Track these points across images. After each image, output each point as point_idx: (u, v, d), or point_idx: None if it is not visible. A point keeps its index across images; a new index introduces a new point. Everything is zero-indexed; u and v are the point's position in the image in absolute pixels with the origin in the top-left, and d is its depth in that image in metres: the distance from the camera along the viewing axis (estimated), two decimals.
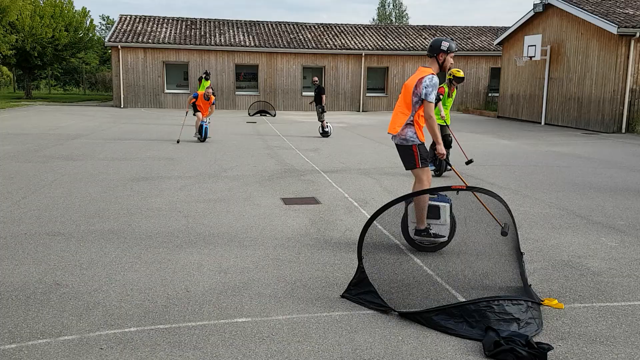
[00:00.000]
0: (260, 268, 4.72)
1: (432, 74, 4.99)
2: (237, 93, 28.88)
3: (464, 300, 4.00)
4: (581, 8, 19.20)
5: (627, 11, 19.30)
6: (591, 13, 18.57)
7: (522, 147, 13.91)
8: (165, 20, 31.32)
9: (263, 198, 7.52)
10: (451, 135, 9.59)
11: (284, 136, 15.97)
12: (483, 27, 33.92)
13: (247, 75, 29.24)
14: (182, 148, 12.82)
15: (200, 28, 30.33)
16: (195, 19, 31.74)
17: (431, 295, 4.12)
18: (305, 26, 31.99)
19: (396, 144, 5.20)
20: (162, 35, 28.83)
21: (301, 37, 30.14)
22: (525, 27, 22.74)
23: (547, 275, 4.64)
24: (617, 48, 17.63)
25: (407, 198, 4.39)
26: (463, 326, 3.53)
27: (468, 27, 33.77)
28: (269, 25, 31.81)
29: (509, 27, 24.22)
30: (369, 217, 5.69)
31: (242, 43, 28.59)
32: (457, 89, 9.35)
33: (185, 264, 4.79)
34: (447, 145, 9.46)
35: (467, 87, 30.11)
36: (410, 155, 5.09)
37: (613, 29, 17.31)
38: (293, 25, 32.01)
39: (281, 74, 28.94)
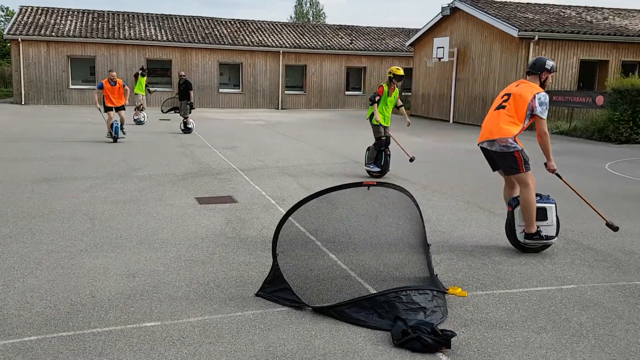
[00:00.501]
0: (172, 270, 4.59)
1: (544, 92, 5.11)
2: (148, 89, 27.82)
3: (375, 292, 4.12)
4: (485, 12, 20.34)
5: (527, 15, 20.71)
6: (494, 17, 19.74)
7: (432, 144, 14.53)
8: (70, 12, 29.55)
9: (176, 198, 7.32)
10: (390, 135, 9.28)
11: (199, 134, 15.62)
12: (396, 28, 35.02)
13: (159, 71, 28.27)
14: (89, 147, 12.17)
15: (108, 21, 28.92)
16: (103, 11, 30.22)
17: (344, 289, 4.20)
18: (222, 22, 31.45)
19: (495, 151, 5.20)
20: (67, 28, 27.18)
21: (217, 32, 29.59)
22: (435, 29, 23.76)
23: (452, 265, 4.89)
24: (518, 50, 18.87)
25: (323, 194, 4.45)
26: (374, 317, 3.64)
27: (382, 28, 34.73)
28: (183, 19, 30.95)
29: (420, 29, 25.20)
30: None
31: (154, 37, 27.60)
32: (397, 87, 9.24)
33: (90, 268, 4.56)
34: (387, 144, 9.22)
35: None
36: (514, 161, 5.12)
37: (514, 32, 18.50)
38: (208, 20, 31.34)
39: (196, 70, 28.27)
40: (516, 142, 5.12)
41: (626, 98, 15.15)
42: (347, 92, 30.76)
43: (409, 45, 26.95)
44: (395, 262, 4.89)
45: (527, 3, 23.29)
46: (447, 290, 4.21)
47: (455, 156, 12.24)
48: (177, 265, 4.70)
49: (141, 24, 29.10)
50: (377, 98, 9.14)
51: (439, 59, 22.09)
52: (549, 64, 5.22)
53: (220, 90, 28.87)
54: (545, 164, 5.22)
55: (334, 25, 34.53)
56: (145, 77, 18.47)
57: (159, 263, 4.74)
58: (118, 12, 30.42)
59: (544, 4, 23.51)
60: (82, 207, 6.64)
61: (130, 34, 27.60)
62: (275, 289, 4.05)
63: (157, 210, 6.62)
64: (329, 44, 30.33)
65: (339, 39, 31.35)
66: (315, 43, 30.13)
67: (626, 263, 4.98)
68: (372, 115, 9.24)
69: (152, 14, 30.77)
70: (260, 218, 6.36)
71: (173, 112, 24.40)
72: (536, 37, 18.52)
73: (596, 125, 16.37)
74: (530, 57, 18.74)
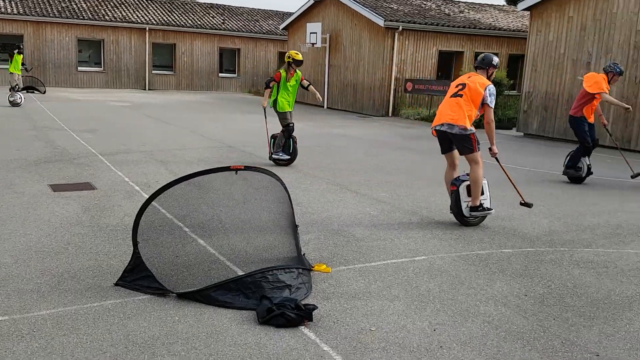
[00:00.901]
0: (21, 262, 4.22)
1: (491, 84, 5.92)
2: (25, 67, 24.94)
3: (242, 273, 4.15)
4: (353, 0, 21.03)
5: (392, 6, 21.77)
6: (362, 5, 20.47)
7: (307, 129, 14.83)
8: None
9: (27, 185, 6.69)
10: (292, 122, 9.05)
11: (55, 116, 14.36)
12: (270, 10, 34.89)
13: (9, 47, 25.41)
14: None
15: None
16: None
17: (212, 274, 4.17)
18: None
19: (454, 133, 5.83)
20: None
21: (75, 6, 27.23)
22: (307, 14, 24.06)
23: (319, 244, 5.07)
24: (385, 40, 19.82)
25: (188, 179, 4.35)
26: (240, 298, 3.67)
27: (255, 9, 34.39)
28: None
29: (293, 13, 25.38)
30: None
31: (2, 9, 24.69)
32: (297, 72, 8.97)
33: None
34: (290, 133, 8.95)
35: (258, 70, 30.80)
36: (470, 142, 5.84)
37: (380, 22, 19.36)
38: None
39: (52, 47, 25.83)
40: (472, 126, 5.88)
41: None
42: (220, 74, 30.10)
43: (282, 29, 27.02)
44: (264, 244, 4.96)
45: None
46: (313, 267, 4.37)
47: (327, 141, 12.61)
48: (26, 257, 4.33)
49: None
50: (271, 83, 8.78)
51: (313, 44, 22.44)
52: (495, 60, 6.07)
53: (80, 68, 26.69)
54: (489, 148, 5.93)
55: (205, 3, 33.49)
56: (21, 55, 16.75)
57: (6, 255, 4.33)
58: None
59: None
60: None
61: None
62: (137, 277, 3.90)
63: (5, 198, 6.01)
64: (199, 22, 29.36)
65: (211, 18, 30.49)
66: (185, 21, 29.00)
67: (470, 235, 5.55)
68: (274, 102, 8.96)
69: None
70: (122, 205, 6.05)
71: (25, 91, 22.20)
72: (400, 28, 19.56)
73: None
74: (395, 47, 19.78)
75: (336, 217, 6.05)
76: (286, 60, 8.91)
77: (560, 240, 5.49)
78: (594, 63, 13.19)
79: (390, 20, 19.35)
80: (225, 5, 33.43)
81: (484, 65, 6.04)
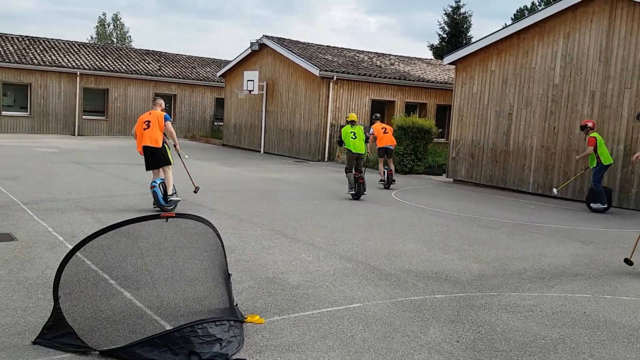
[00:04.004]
0: None
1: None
2: None
3: (170, 328, 3.97)
4: (290, 50, 21.60)
5: (327, 57, 22.50)
6: (298, 56, 21.06)
7: (243, 174, 14.75)
8: None
9: None
10: None
11: None
12: (207, 58, 35.08)
13: None
14: None
15: None
16: None
17: (138, 329, 3.97)
18: (7, 37, 28.00)
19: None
20: None
21: (1, 49, 26.24)
22: (245, 62, 24.41)
23: (253, 293, 4.96)
24: (320, 88, 20.35)
25: (117, 227, 4.19)
26: (167, 355, 3.50)
27: (193, 56, 34.47)
28: None
29: (230, 62, 25.64)
30: None
31: None
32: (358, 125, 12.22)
33: None
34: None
35: (194, 116, 30.60)
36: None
37: (316, 72, 19.94)
38: None
39: None
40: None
41: (408, 134, 17.34)
42: None
43: (220, 76, 27.17)
44: (195, 295, 4.78)
45: (327, 46, 25.35)
46: (245, 318, 4.25)
47: (263, 186, 12.57)
48: None
49: None
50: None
51: (250, 91, 22.68)
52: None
53: (4, 113, 25.47)
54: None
55: (140, 49, 33.22)
56: None
57: None
58: None
59: (342, 48, 25.84)
60: None
61: None
62: (57, 334, 3.65)
63: None
64: (134, 68, 29.01)
65: (146, 64, 30.22)
66: (119, 67, 28.55)
67: (404, 280, 5.62)
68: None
69: None
70: (44, 257, 5.70)
71: None
72: (335, 77, 20.21)
73: None
74: (330, 95, 20.34)
75: (271, 263, 5.97)
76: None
77: (490, 285, 5.67)
78: (515, 114, 14.09)
79: (325, 70, 19.96)
80: (162, 52, 33.30)
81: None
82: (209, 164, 17.17)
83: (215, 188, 11.65)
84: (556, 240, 8.19)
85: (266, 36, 23.03)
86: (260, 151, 23.36)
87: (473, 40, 36.44)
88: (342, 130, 11.71)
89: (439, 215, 9.81)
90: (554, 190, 12.39)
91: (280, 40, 23.02)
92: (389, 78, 21.68)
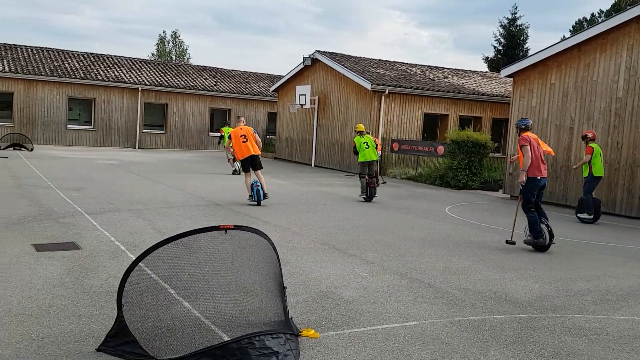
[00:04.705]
0: (0, 326, 4.06)
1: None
2: None
3: (228, 339, 4.02)
4: (342, 65, 21.74)
5: (378, 71, 22.50)
6: (350, 70, 21.16)
7: (294, 187, 14.88)
8: None
9: (9, 245, 6.55)
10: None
11: (41, 173, 14.29)
12: (260, 73, 35.81)
13: None
14: None
15: None
16: None
17: (197, 339, 4.04)
18: (73, 54, 29.58)
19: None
20: None
21: (67, 65, 27.73)
22: (297, 77, 24.77)
23: (307, 307, 4.97)
24: (372, 102, 20.34)
25: (178, 238, 4.30)
26: None
27: (247, 72, 35.29)
28: (30, 50, 28.58)
29: (283, 77, 26.08)
30: None
31: None
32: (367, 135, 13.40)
33: None
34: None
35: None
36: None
37: (368, 85, 19.96)
38: (59, 52, 29.29)
39: (42, 104, 26.06)
40: None
41: (463, 149, 17.01)
42: (211, 133, 30.46)
43: (273, 91, 27.67)
44: (251, 307, 4.83)
45: (379, 59, 25.35)
46: (301, 332, 4.25)
47: (315, 199, 12.64)
48: (6, 320, 4.17)
49: None
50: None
51: (301, 105, 22.96)
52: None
53: (69, 126, 26.84)
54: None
55: (198, 65, 34.32)
56: None
57: None
58: None
59: (393, 61, 25.78)
60: None
61: None
62: (120, 342, 3.77)
63: None
64: (192, 84, 29.98)
65: (203, 80, 31.17)
66: (177, 82, 29.59)
67: (461, 299, 5.48)
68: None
69: None
70: (107, 266, 5.92)
71: (12, 148, 22.21)
72: (387, 91, 20.15)
73: (438, 172, 18.08)
74: (382, 109, 20.29)
75: (324, 277, 5.96)
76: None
77: (552, 306, 5.44)
78: (577, 129, 13.58)
79: (377, 84, 19.94)
80: (217, 68, 34.28)
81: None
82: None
83: (267, 200, 11.80)
84: (620, 260, 7.78)
85: (318, 51, 23.29)
86: (311, 164, 23.52)
87: (530, 52, 35.54)
88: (355, 140, 13.12)
89: (496, 233, 9.54)
90: None
91: (332, 55, 23.22)
92: (443, 91, 21.40)
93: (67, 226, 7.87)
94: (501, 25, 39.85)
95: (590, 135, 11.52)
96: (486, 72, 30.27)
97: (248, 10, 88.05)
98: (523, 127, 8.44)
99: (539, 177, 8.09)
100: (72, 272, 5.57)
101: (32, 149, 22.35)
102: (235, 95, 30.72)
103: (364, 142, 12.87)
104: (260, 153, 11.17)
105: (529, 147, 8.04)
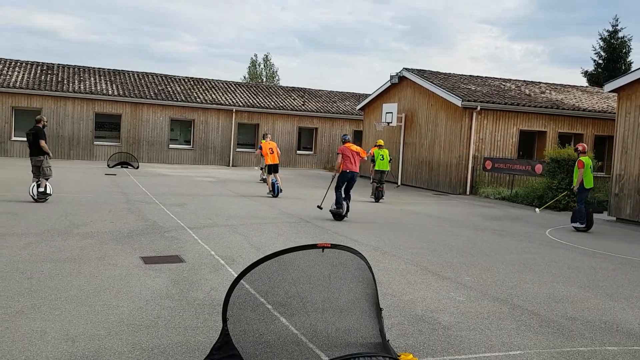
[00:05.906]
0: (114, 335, 4.35)
1: None
2: (95, 143, 27.30)
3: (327, 359, 4.04)
4: (431, 82, 21.45)
5: (469, 87, 21.95)
6: (439, 87, 20.81)
7: (382, 206, 14.79)
8: (18, 63, 29.04)
9: (120, 257, 7.05)
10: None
11: (146, 190, 15.29)
12: (346, 92, 36.27)
13: (107, 125, 27.85)
14: (28, 202, 11.65)
15: (58, 74, 28.53)
16: (52, 64, 29.88)
17: (295, 356, 4.10)
18: (175, 79, 31.64)
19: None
20: (13, 79, 26.59)
21: (170, 89, 29.70)
22: (384, 95, 24.76)
23: (403, 330, 4.88)
24: (462, 119, 19.84)
25: (277, 256, 4.41)
26: None
27: (333, 91, 35.88)
28: (136, 75, 30.96)
29: (370, 95, 26.19)
30: (235, 275, 5.59)
31: (104, 92, 27.35)
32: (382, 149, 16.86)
33: (26, 332, 4.27)
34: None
35: (333, 148, 31.63)
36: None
37: (458, 102, 19.51)
38: (162, 77, 31.48)
39: (147, 125, 28.04)
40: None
41: (563, 167, 16.07)
42: (298, 151, 31.20)
43: (359, 109, 27.85)
44: (347, 327, 4.83)
45: (470, 75, 24.75)
46: (399, 356, 4.18)
47: (403, 218, 12.47)
48: (119, 330, 4.47)
49: (92, 78, 28.87)
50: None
51: (388, 123, 22.89)
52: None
53: (170, 145, 28.65)
54: None
55: (287, 86, 35.42)
56: None
57: (100, 327, 4.50)
58: (69, 65, 30.15)
59: (485, 77, 25.05)
60: (20, 266, 6.28)
61: (80, 87, 27.27)
62: (224, 355, 3.90)
63: (99, 270, 6.34)
64: (281, 104, 30.96)
65: (292, 100, 32.09)
66: (268, 103, 30.69)
67: (569, 329, 5.13)
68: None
69: (103, 69, 30.66)
70: (209, 279, 6.19)
71: (120, 166, 23.99)
72: (478, 107, 19.57)
73: (536, 192, 17.17)
74: (473, 126, 19.72)
75: (419, 300, 5.84)
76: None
77: None
78: None
79: (468, 100, 19.45)
80: (305, 88, 35.17)
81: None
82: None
83: (354, 218, 11.82)
84: None
85: (406, 69, 23.17)
86: (397, 183, 23.29)
87: (634, 66, 33.11)
88: (374, 152, 16.62)
89: (604, 258, 8.88)
90: (537, 210, 14.91)
91: (420, 72, 23.00)
92: (540, 107, 20.44)
93: (171, 240, 8.34)
94: (601, 38, 37.55)
95: (580, 148, 12.09)
96: (586, 86, 28.58)
97: (334, 31, 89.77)
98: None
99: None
100: (178, 285, 5.88)
101: (137, 167, 24.01)
102: (322, 115, 31.30)
103: (380, 155, 16.31)
104: (279, 162, 16.18)
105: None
